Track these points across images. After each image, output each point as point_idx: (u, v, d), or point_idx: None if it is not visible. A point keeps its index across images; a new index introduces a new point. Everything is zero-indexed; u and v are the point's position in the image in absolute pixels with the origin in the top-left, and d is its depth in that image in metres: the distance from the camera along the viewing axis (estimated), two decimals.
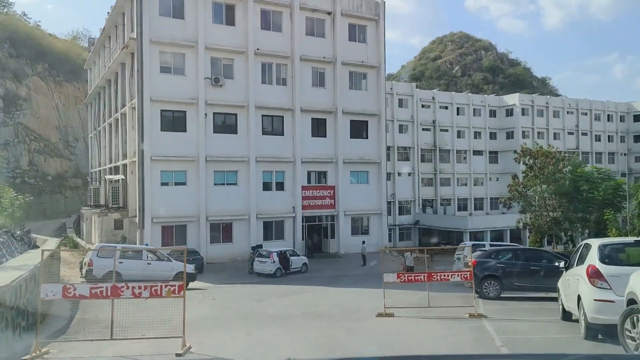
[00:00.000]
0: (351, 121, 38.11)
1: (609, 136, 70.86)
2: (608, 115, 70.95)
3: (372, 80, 39.14)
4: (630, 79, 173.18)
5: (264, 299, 18.56)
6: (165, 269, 20.06)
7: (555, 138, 64.15)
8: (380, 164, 38.90)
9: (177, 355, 9.20)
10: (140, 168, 31.67)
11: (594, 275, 8.11)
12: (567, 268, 9.87)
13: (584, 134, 68.47)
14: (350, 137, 37.92)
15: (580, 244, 9.79)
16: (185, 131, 33.06)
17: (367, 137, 38.73)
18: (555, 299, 15.39)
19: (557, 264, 15.55)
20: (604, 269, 8.13)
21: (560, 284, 10.42)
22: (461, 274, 13.09)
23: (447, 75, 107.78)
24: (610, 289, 7.92)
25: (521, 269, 15.62)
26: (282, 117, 36.06)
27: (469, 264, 15.86)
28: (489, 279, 15.27)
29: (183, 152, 32.69)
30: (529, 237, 36.91)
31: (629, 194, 21.50)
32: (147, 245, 26.22)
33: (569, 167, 32.99)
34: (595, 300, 7.99)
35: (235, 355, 9.74)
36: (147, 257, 20.30)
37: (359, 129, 38.56)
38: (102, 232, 35.48)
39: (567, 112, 67.58)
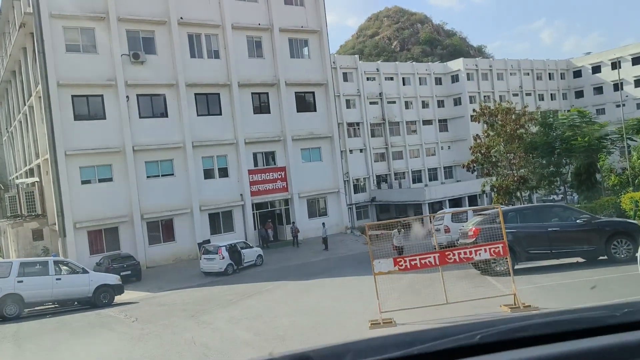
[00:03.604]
0: (296, 93, 34.32)
1: (552, 94, 70.72)
2: (549, 73, 70.77)
3: (315, 47, 35.38)
4: (558, 42, 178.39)
5: (205, 310, 14.09)
6: (81, 284, 15.66)
7: (501, 100, 62.88)
8: (332, 138, 35.36)
9: None
10: (54, 166, 26.73)
11: None
12: None
13: (528, 94, 67.88)
14: (297, 111, 34.13)
15: None
16: (105, 118, 28.28)
17: (315, 110, 35.06)
18: (591, 265, 12.56)
19: (578, 221, 12.56)
20: None
21: None
22: (491, 249, 9.30)
23: (387, 50, 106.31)
24: None
25: (536, 233, 12.42)
26: (218, 94, 31.77)
27: (469, 233, 12.63)
28: None
29: (105, 143, 27.93)
30: (495, 200, 34.64)
31: (625, 135, 18.94)
32: (54, 255, 21.41)
33: (534, 120, 30.75)
34: None
35: None
36: (58, 270, 15.81)
37: (305, 102, 34.84)
38: (19, 246, 30.30)
39: (510, 74, 66.80)
